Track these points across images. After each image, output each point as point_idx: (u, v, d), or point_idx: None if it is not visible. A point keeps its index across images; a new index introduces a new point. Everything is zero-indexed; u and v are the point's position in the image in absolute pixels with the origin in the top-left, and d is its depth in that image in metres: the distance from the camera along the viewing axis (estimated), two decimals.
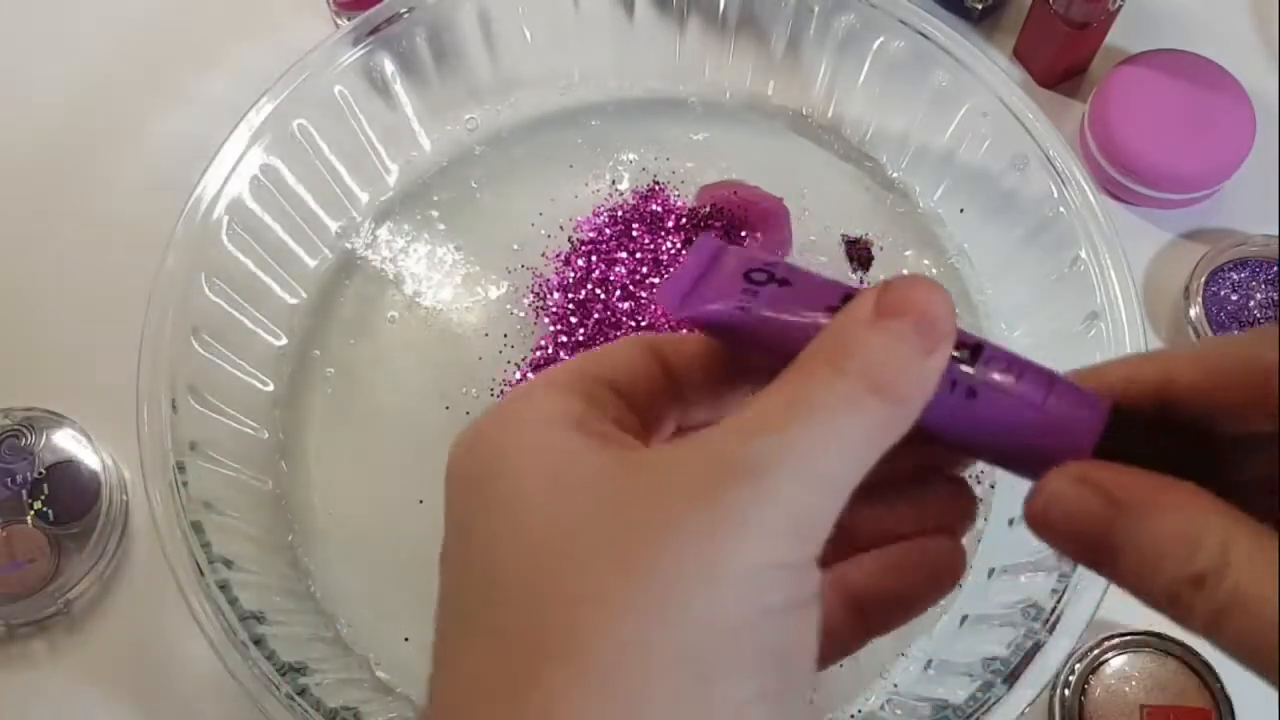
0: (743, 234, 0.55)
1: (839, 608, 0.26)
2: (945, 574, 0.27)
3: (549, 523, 0.22)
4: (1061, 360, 0.53)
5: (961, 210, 0.58)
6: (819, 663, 0.23)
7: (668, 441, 0.26)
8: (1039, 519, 0.23)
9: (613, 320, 0.55)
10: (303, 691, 0.44)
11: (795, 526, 0.22)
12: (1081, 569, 0.46)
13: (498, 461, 0.23)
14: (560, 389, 0.24)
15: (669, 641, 0.20)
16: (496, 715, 0.21)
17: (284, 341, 0.55)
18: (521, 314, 0.56)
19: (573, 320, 0.55)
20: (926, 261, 0.58)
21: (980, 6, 0.62)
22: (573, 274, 0.56)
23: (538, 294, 0.56)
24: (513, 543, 0.22)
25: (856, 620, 0.27)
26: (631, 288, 0.55)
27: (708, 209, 0.56)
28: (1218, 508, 0.21)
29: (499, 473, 0.23)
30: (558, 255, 0.57)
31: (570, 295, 0.56)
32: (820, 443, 0.22)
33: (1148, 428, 0.23)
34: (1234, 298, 0.56)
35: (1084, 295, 0.50)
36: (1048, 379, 0.24)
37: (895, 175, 0.59)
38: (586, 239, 0.57)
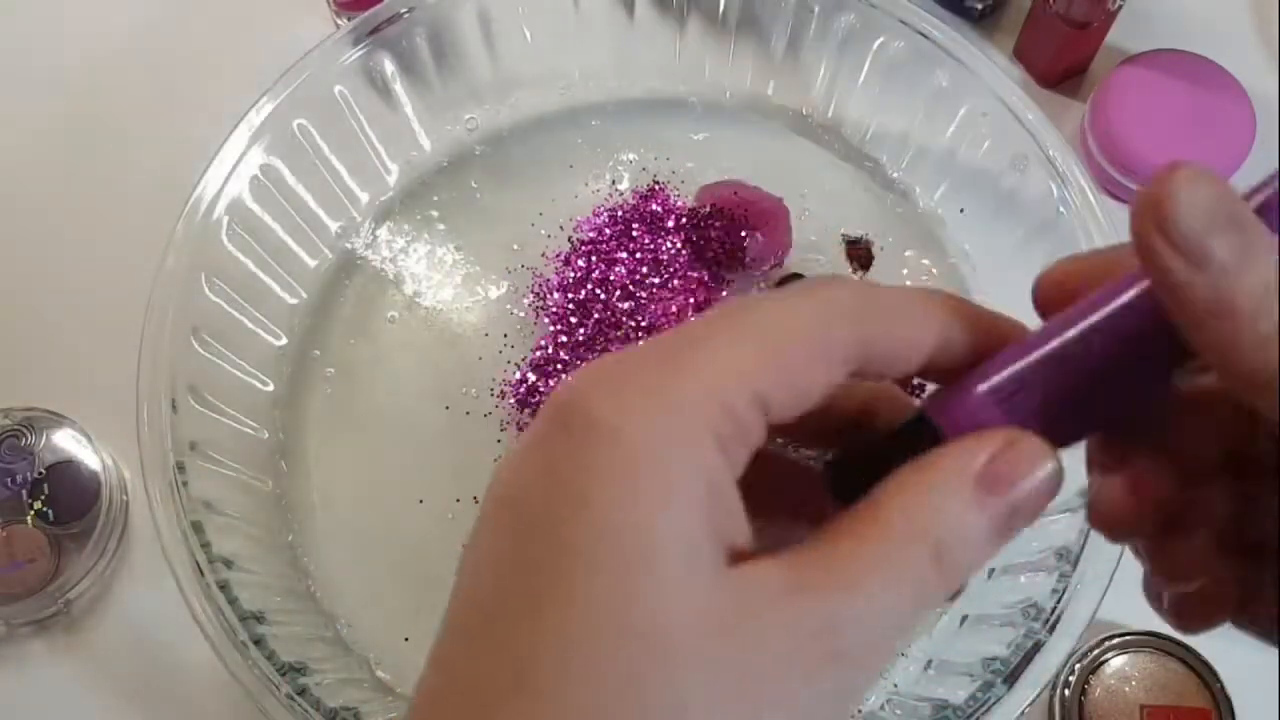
0: (743, 234, 0.55)
1: None
2: None
3: (645, 623, 0.19)
4: None
5: (962, 211, 0.58)
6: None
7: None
8: (1170, 198, 0.20)
9: (613, 320, 0.55)
10: (303, 691, 0.44)
11: (853, 694, 0.21)
12: (1081, 568, 0.46)
13: (618, 487, 0.20)
14: (723, 415, 0.21)
15: None
16: None
17: (284, 341, 0.55)
18: (521, 314, 0.56)
19: (573, 320, 0.55)
20: (926, 262, 0.58)
21: (980, 6, 0.62)
22: (573, 274, 0.56)
23: (538, 294, 0.56)
24: (599, 624, 0.19)
25: None
26: (631, 288, 0.55)
27: (708, 209, 0.56)
28: None
29: (598, 524, 0.20)
30: (558, 255, 0.57)
31: (570, 295, 0.55)
32: (893, 623, 0.21)
33: None
34: None
35: None
36: None
37: (895, 175, 0.59)
38: (586, 239, 0.57)
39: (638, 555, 0.20)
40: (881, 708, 0.50)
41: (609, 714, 0.19)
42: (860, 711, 0.50)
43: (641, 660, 0.19)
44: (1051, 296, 0.24)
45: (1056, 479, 0.22)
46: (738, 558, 0.21)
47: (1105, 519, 0.24)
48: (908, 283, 0.57)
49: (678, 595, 0.20)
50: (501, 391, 0.54)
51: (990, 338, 0.24)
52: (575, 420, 0.20)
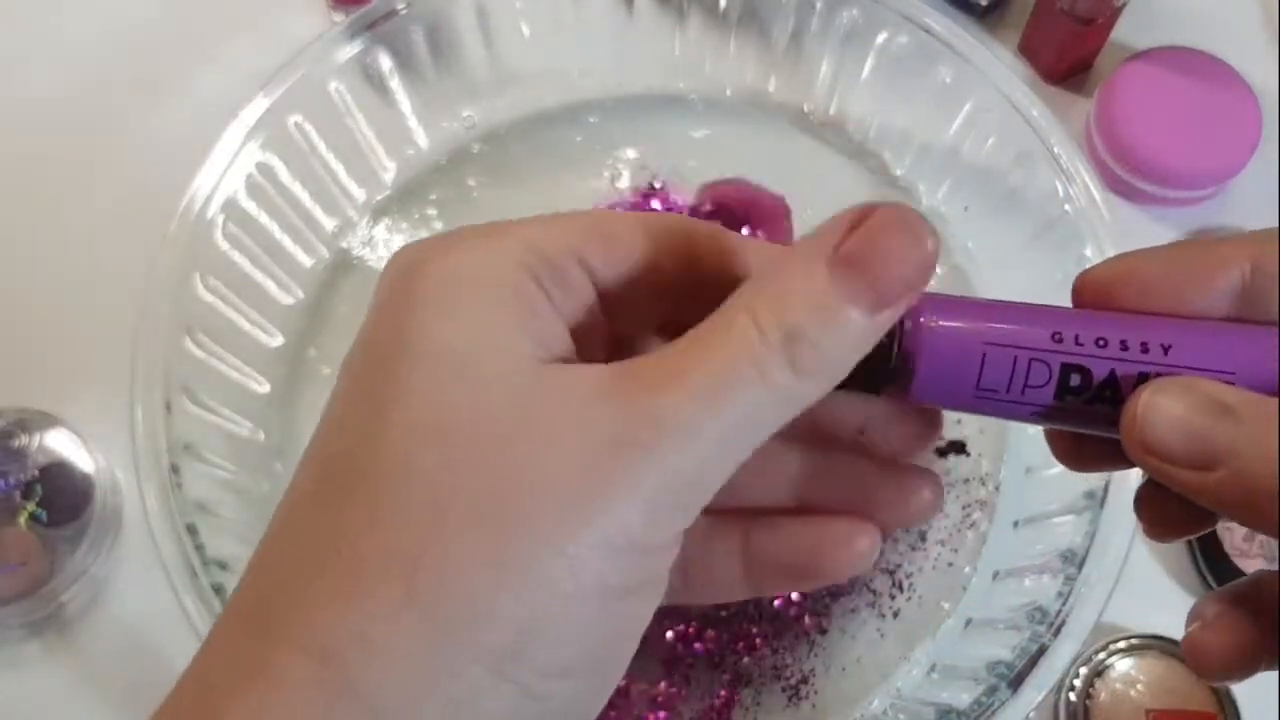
0: (744, 231, 0.55)
1: (733, 560, 0.26)
2: (842, 563, 0.26)
3: (452, 415, 0.21)
4: None
5: (966, 208, 0.57)
6: (703, 598, 0.24)
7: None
8: (1143, 427, 0.23)
9: None
10: None
11: (670, 500, 0.21)
12: (1086, 571, 0.45)
13: (435, 309, 0.22)
14: (525, 252, 0.23)
15: (500, 598, 0.20)
16: (309, 596, 0.21)
17: (280, 341, 0.55)
18: None
19: None
20: None
21: (985, 2, 0.62)
22: None
23: None
24: (412, 413, 0.21)
25: (747, 575, 0.26)
26: None
27: (708, 206, 0.55)
28: None
29: (429, 328, 0.22)
30: None
31: None
32: (716, 411, 0.21)
33: None
34: None
35: None
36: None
37: (899, 173, 0.59)
38: None
39: (452, 362, 0.22)
40: (885, 712, 0.49)
41: (423, 512, 0.21)
42: (863, 715, 0.49)
43: (441, 451, 0.21)
44: (1085, 300, 0.25)
45: (924, 249, 0.22)
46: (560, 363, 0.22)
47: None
48: None
49: (484, 392, 0.21)
50: None
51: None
52: (407, 271, 0.23)
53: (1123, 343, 0.23)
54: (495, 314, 0.22)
